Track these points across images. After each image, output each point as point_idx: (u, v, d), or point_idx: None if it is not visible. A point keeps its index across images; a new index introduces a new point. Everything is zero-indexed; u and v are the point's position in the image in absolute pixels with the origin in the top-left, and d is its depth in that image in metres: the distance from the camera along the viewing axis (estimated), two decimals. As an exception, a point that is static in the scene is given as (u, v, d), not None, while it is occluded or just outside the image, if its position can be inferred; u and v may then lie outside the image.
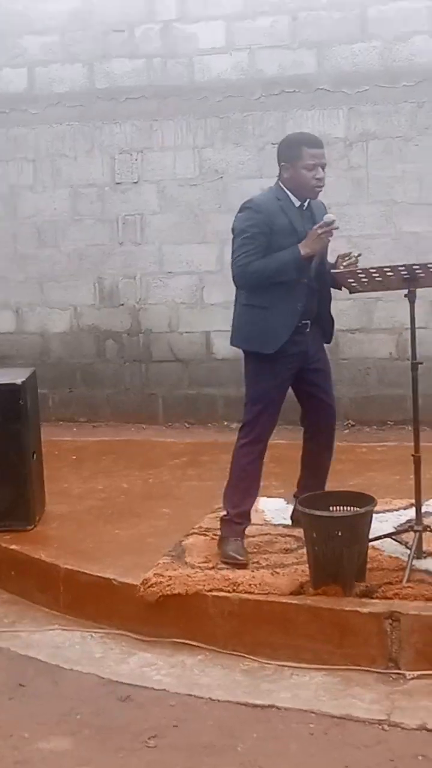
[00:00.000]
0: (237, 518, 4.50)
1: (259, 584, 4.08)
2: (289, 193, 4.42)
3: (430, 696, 3.52)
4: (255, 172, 7.72)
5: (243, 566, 4.30)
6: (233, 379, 7.90)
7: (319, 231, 4.29)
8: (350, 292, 4.53)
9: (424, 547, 4.25)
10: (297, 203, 4.44)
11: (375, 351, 7.63)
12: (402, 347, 7.31)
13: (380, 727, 3.34)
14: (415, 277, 4.18)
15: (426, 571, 4.08)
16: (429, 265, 4.18)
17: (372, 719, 3.39)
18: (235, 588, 4.08)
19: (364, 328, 7.60)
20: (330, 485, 4.78)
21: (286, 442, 7.06)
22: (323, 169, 4.40)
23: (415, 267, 4.17)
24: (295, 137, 4.59)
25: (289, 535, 4.65)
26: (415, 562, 4.11)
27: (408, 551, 4.16)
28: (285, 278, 4.32)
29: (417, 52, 7.27)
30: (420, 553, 4.20)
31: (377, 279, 4.31)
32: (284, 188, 4.44)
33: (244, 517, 4.53)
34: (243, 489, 4.54)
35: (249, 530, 4.75)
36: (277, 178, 4.50)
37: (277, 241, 4.32)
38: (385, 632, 3.75)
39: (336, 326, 7.68)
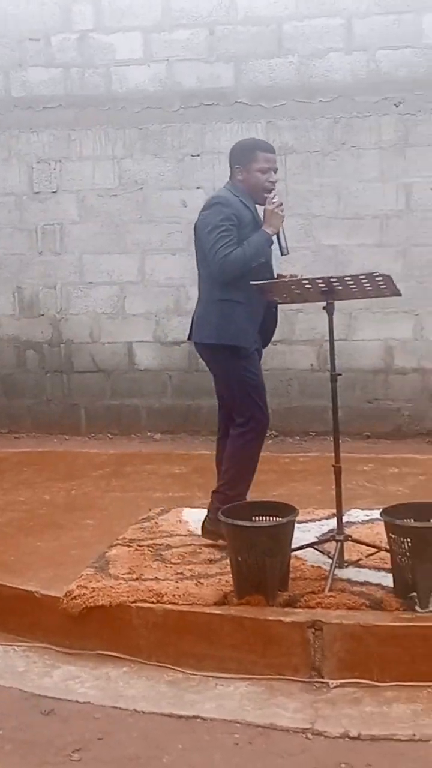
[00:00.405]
0: (237, 499, 4.61)
1: (183, 595, 4.09)
2: (246, 195, 4.61)
3: (352, 704, 3.57)
4: (175, 184, 7.78)
5: None
6: (156, 389, 7.95)
7: (271, 207, 4.52)
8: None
9: (346, 557, 4.31)
10: (251, 206, 4.63)
11: (296, 362, 7.72)
12: (323, 358, 7.40)
13: (304, 735, 3.38)
14: (333, 289, 4.24)
15: (348, 580, 4.13)
16: (346, 278, 4.24)
17: (296, 728, 3.42)
18: (159, 599, 4.08)
19: (286, 340, 7.68)
20: (253, 495, 4.82)
21: (209, 453, 7.11)
22: (274, 173, 4.62)
23: (332, 279, 4.23)
24: (250, 142, 4.84)
25: (213, 546, 4.67)
26: (336, 571, 4.16)
27: (330, 561, 4.21)
28: (261, 261, 4.51)
29: (332, 68, 7.40)
30: (341, 563, 4.25)
31: (296, 291, 4.37)
32: (238, 189, 4.62)
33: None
34: (248, 476, 4.74)
35: (172, 541, 4.77)
36: (228, 182, 4.68)
37: (245, 234, 4.50)
38: (308, 641, 3.79)
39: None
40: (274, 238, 4.56)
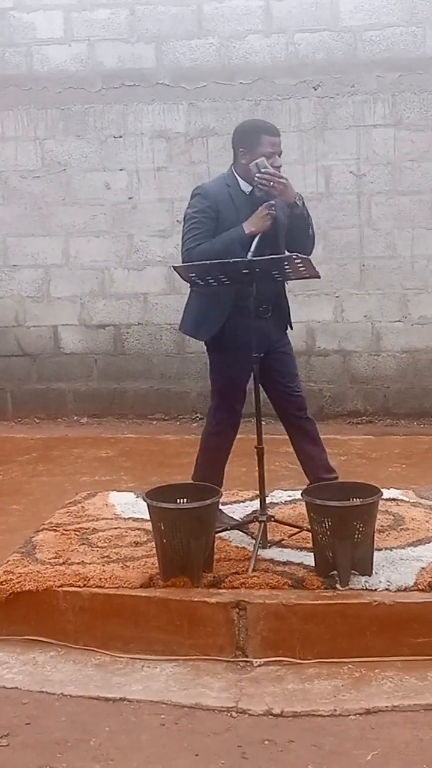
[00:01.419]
0: None
1: (110, 578, 4.11)
2: (240, 180, 4.48)
3: (275, 682, 3.63)
4: (98, 165, 7.75)
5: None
6: (83, 373, 7.94)
7: (266, 211, 4.35)
8: (191, 286, 4.57)
9: (269, 537, 4.36)
10: (247, 189, 4.47)
11: (221, 344, 7.75)
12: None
13: (229, 714, 3.43)
14: (253, 272, 4.27)
15: (271, 560, 4.19)
16: (266, 261, 4.26)
17: (221, 707, 3.47)
18: (85, 583, 4.09)
19: (210, 321, 7.71)
20: (178, 478, 4.85)
21: (135, 437, 7.16)
22: (278, 157, 4.47)
23: (253, 262, 4.25)
24: (255, 124, 4.66)
25: (139, 529, 4.69)
26: (260, 551, 4.21)
27: (254, 541, 4.27)
28: (232, 257, 4.29)
29: (252, 50, 7.42)
30: (265, 543, 4.31)
31: (217, 273, 4.37)
32: (235, 174, 4.51)
33: None
34: (202, 471, 4.66)
35: (98, 525, 4.78)
36: (231, 164, 4.56)
37: (224, 227, 4.41)
38: (233, 621, 3.84)
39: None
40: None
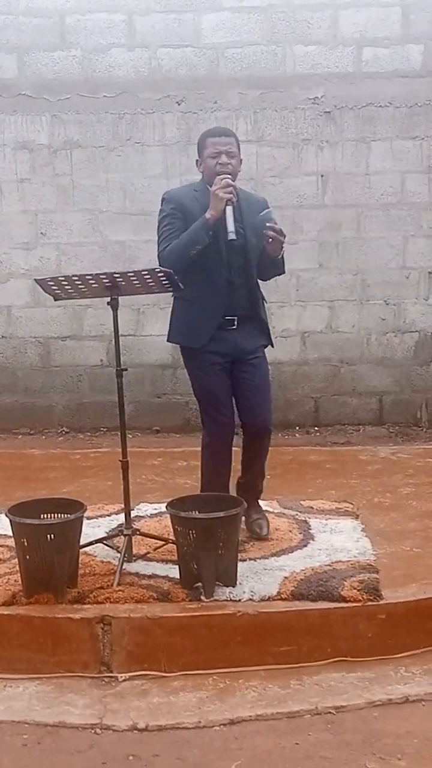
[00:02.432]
0: None
1: (-29, 597, 4.02)
2: (207, 185, 4.53)
3: (140, 696, 3.61)
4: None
5: None
6: None
7: (214, 188, 4.40)
8: (54, 299, 4.55)
9: (135, 550, 4.35)
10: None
11: (87, 358, 7.71)
12: (112, 354, 7.34)
13: (93, 731, 3.39)
14: (117, 284, 4.27)
15: (136, 574, 4.18)
16: (129, 274, 4.27)
17: (85, 724, 3.43)
18: None
19: (75, 335, 7.67)
20: (42, 492, 4.80)
21: (0, 451, 7.02)
22: (227, 156, 4.53)
23: (115, 275, 4.25)
24: (203, 132, 4.78)
25: (1, 546, 4.61)
26: (125, 565, 4.20)
27: (119, 555, 4.24)
28: (200, 246, 4.39)
29: (115, 64, 7.42)
30: (130, 557, 4.29)
31: (80, 286, 4.36)
32: (204, 181, 4.61)
33: None
34: (207, 477, 4.69)
35: (-41, 543, 4.67)
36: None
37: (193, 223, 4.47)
38: (97, 636, 3.80)
39: (47, 334, 7.76)
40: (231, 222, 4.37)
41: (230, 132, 4.71)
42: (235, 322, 4.57)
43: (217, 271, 4.51)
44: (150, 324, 7.55)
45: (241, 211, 4.55)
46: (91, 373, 7.71)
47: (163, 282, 4.31)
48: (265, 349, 4.78)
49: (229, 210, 4.38)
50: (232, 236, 4.33)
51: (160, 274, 4.25)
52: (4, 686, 3.75)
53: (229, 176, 4.46)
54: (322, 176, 7.54)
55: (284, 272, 4.79)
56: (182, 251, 4.44)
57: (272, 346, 4.83)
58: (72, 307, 7.54)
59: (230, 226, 4.34)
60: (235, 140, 4.63)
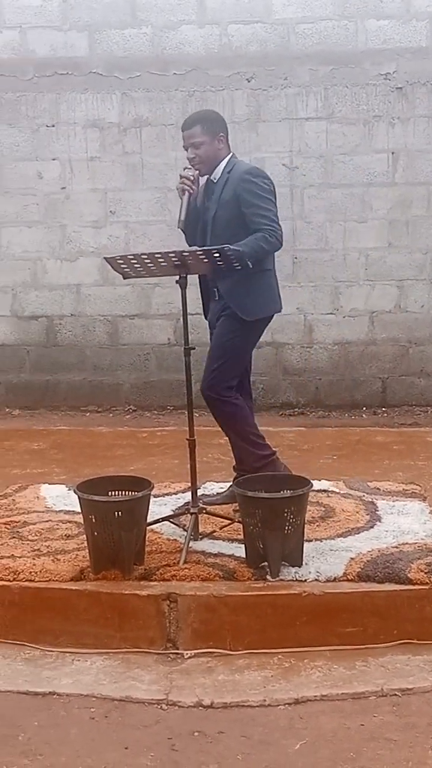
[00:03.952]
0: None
1: (40, 572, 4.07)
2: None
3: (205, 673, 3.64)
4: (30, 154, 7.68)
5: None
6: (15, 365, 7.99)
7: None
8: (123, 278, 4.56)
9: (201, 529, 4.37)
10: (205, 180, 4.79)
11: (154, 336, 7.75)
12: (180, 333, 7.41)
13: (159, 706, 3.42)
14: (185, 263, 4.27)
15: (202, 552, 4.19)
16: (198, 252, 4.28)
17: (151, 699, 3.46)
18: (15, 576, 4.05)
19: (143, 314, 7.70)
20: (110, 470, 4.84)
21: (68, 428, 7.11)
22: (193, 148, 4.70)
23: (184, 253, 4.25)
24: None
25: (70, 522, 4.66)
26: (191, 543, 4.21)
27: (185, 533, 4.27)
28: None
29: (185, 41, 7.40)
30: (196, 535, 4.31)
31: (149, 265, 4.37)
32: None
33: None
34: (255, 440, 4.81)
35: (29, 518, 4.74)
36: None
37: None
38: (163, 613, 3.84)
39: (116, 312, 7.80)
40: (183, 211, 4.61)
41: (191, 122, 4.74)
42: (218, 294, 4.79)
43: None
44: (218, 302, 7.54)
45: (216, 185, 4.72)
46: (158, 352, 7.74)
47: (232, 260, 4.29)
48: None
49: (185, 199, 4.59)
50: (180, 225, 4.60)
51: (228, 252, 4.24)
52: (72, 660, 3.80)
53: (190, 168, 4.67)
54: (392, 153, 7.45)
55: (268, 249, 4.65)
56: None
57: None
58: (140, 286, 7.57)
59: (181, 215, 4.59)
60: (199, 127, 4.68)
